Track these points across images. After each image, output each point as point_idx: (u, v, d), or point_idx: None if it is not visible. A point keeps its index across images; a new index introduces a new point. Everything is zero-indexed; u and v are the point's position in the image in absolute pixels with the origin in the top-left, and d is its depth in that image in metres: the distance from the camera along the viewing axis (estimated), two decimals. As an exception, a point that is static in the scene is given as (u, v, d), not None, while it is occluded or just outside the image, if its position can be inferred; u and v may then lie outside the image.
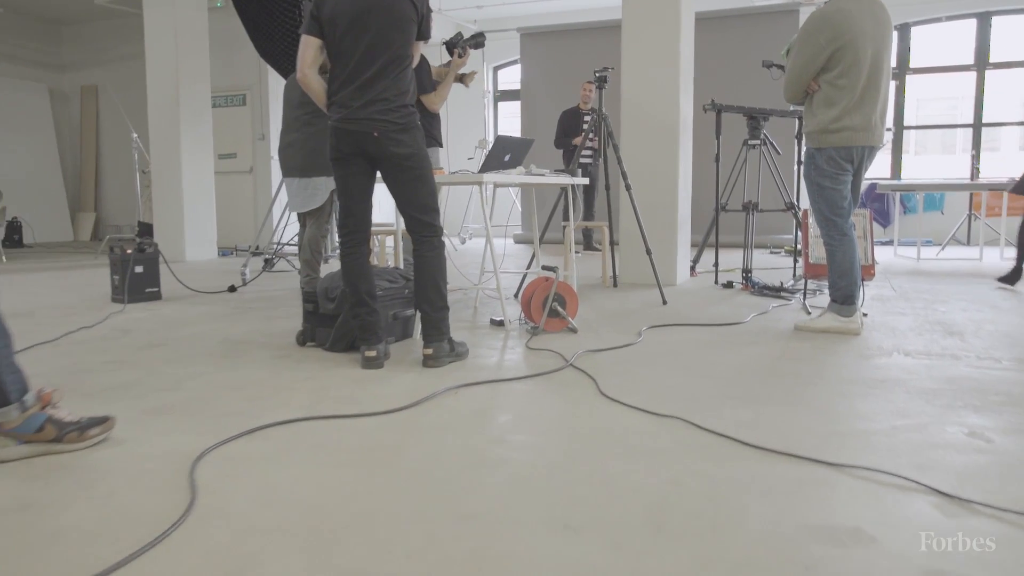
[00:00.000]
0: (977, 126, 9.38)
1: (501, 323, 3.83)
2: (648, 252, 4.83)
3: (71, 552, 1.42)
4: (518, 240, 10.16)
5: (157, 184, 7.96)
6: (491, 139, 11.14)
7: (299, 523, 1.54)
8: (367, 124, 2.82)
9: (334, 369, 2.92)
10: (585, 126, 7.91)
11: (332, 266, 6.64)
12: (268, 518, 1.57)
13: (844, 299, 3.54)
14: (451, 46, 4.63)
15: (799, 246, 6.13)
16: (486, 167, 3.70)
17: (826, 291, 4.90)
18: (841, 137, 3.42)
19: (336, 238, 4.37)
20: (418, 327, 3.36)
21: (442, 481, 1.77)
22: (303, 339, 3.39)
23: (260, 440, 2.07)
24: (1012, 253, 7.77)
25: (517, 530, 1.51)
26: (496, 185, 4.06)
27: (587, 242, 8.50)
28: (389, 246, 6.50)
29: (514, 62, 11.23)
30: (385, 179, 2.96)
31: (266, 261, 6.67)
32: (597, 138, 7.40)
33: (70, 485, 1.75)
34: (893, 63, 3.59)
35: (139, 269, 4.79)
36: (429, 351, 2.92)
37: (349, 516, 1.58)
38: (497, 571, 1.35)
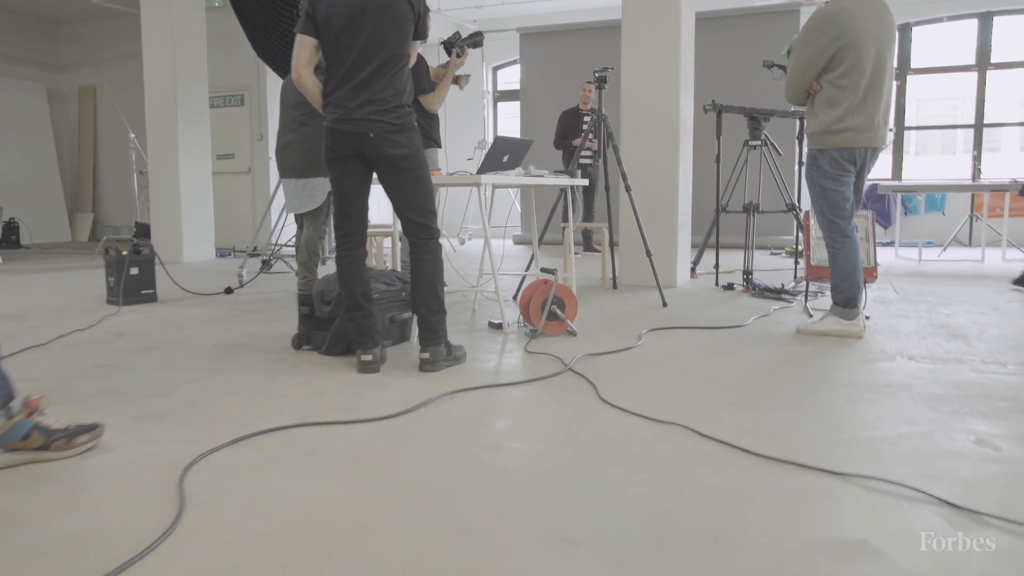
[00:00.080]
0: (978, 127, 9.34)
1: (499, 326, 3.79)
2: (648, 254, 4.78)
3: (52, 567, 1.38)
4: (517, 241, 10.12)
5: (154, 185, 7.91)
6: (490, 140, 11.09)
7: (289, 536, 1.50)
8: (363, 125, 2.78)
9: (329, 373, 2.88)
10: (585, 127, 7.86)
11: (329, 268, 6.60)
12: (257, 530, 1.52)
13: (846, 302, 3.49)
14: (449, 46, 4.58)
15: (800, 247, 6.09)
16: (484, 168, 3.66)
17: (828, 293, 4.85)
18: (843, 138, 3.37)
19: (333, 240, 4.33)
20: (415, 330, 3.31)
21: (437, 491, 1.72)
22: (299, 342, 3.34)
23: (251, 448, 2.03)
24: (1015, 254, 7.73)
25: (513, 544, 1.46)
26: (495, 186, 4.02)
27: (587, 243, 8.45)
28: (387, 247, 6.46)
29: (513, 62, 11.18)
30: (381, 180, 2.92)
31: (263, 262, 6.62)
32: (597, 139, 7.36)
33: (55, 496, 1.70)
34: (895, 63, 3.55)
35: (134, 271, 4.74)
36: (426, 355, 2.88)
37: (341, 529, 1.53)
38: (492, 587, 1.30)
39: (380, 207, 9.32)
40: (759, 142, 5.37)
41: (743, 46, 8.88)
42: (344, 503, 1.66)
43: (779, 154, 5.79)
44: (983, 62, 9.25)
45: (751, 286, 5.07)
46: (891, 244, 8.75)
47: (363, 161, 2.87)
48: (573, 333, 3.60)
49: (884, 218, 9.36)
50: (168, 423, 2.26)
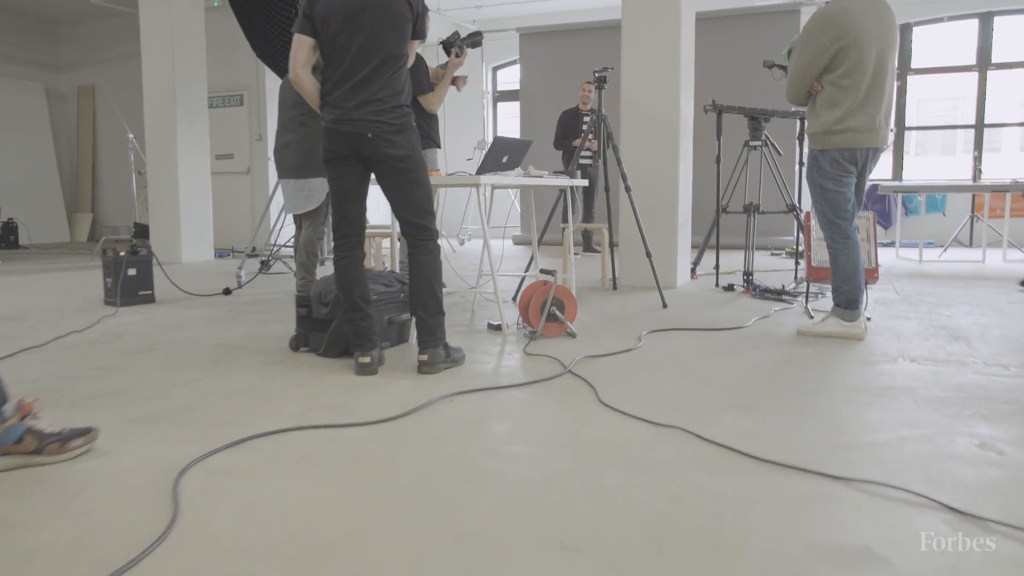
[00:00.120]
0: (979, 127, 9.32)
1: (499, 327, 3.77)
2: (648, 254, 4.76)
3: (45, 573, 1.36)
4: (517, 241, 10.10)
5: (153, 185, 7.89)
6: (490, 140, 11.07)
7: (285, 542, 1.48)
8: (361, 125, 2.76)
9: (327, 376, 2.86)
10: (584, 127, 7.84)
11: (328, 268, 6.58)
12: (252, 536, 1.50)
13: (847, 303, 3.47)
14: (448, 46, 4.56)
15: (800, 248, 6.07)
16: (483, 168, 3.64)
17: (828, 294, 4.83)
18: (845, 138, 3.35)
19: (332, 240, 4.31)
20: (414, 332, 3.30)
21: (435, 496, 1.70)
22: (296, 344, 3.32)
23: (248, 451, 2.01)
24: (1016, 255, 7.71)
25: (512, 549, 1.44)
26: (494, 187, 4.00)
27: (587, 243, 8.44)
28: (385, 247, 6.44)
29: (513, 62, 11.16)
30: (379, 181, 2.90)
31: (262, 263, 6.61)
32: (596, 139, 7.34)
33: (47, 501, 1.68)
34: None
35: (132, 272, 4.72)
36: (424, 357, 2.86)
37: (337, 534, 1.51)
38: (490, 595, 1.28)
39: (379, 208, 9.32)
40: (759, 142, 5.35)
41: (743, 46, 8.87)
42: (341, 508, 1.64)
43: (779, 154, 5.78)
44: (984, 62, 9.24)
45: (751, 287, 5.05)
46: (892, 245, 8.73)
47: (361, 162, 2.85)
48: (573, 335, 3.58)
49: (884, 218, 9.34)
50: (164, 426, 2.24)
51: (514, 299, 4.74)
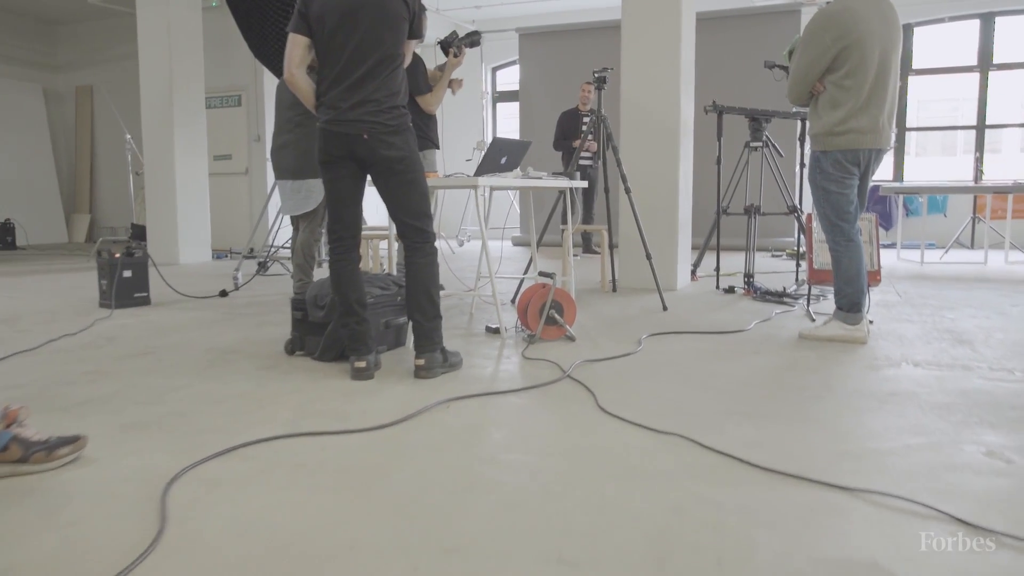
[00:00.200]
0: (980, 128, 9.28)
1: (497, 331, 3.72)
2: (648, 256, 4.71)
3: (24, 590, 1.32)
4: (516, 242, 10.06)
5: (150, 186, 7.85)
6: (489, 141, 11.03)
7: (273, 556, 1.44)
8: (357, 126, 2.72)
9: (322, 380, 2.81)
10: (584, 127, 7.80)
11: (326, 270, 6.54)
12: (240, 550, 1.46)
13: (850, 307, 3.43)
14: (446, 46, 4.52)
15: (801, 249, 6.03)
16: (482, 170, 3.59)
17: (830, 296, 4.79)
18: (847, 140, 3.31)
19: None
20: (411, 335, 3.25)
21: (430, 507, 1.66)
22: (292, 348, 3.28)
23: (238, 460, 1.96)
24: (1017, 256, 7.67)
25: (508, 564, 1.40)
26: (492, 189, 3.96)
27: (586, 244, 8.39)
28: (383, 248, 6.40)
29: (513, 63, 11.12)
30: (375, 183, 2.85)
31: (260, 265, 6.56)
32: (596, 140, 7.29)
33: (30, 512, 1.64)
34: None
35: (127, 274, 4.68)
36: (421, 362, 2.82)
37: (327, 548, 1.47)
38: (485, 614, 1.24)
39: (378, 209, 9.27)
40: (760, 143, 5.31)
41: (744, 46, 8.83)
42: (333, 520, 1.59)
43: (780, 155, 5.73)
44: (985, 63, 9.20)
45: (752, 289, 5.00)
46: (893, 246, 8.69)
47: (357, 163, 2.80)
48: (572, 338, 3.53)
49: (885, 220, 9.30)
50: (155, 433, 2.19)
51: (513, 301, 4.69)
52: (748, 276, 5.17)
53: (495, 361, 3.12)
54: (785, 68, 4.51)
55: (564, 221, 4.74)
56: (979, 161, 8.72)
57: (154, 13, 7.65)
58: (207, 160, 8.10)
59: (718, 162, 5.44)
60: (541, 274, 3.56)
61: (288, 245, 6.42)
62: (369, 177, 2.88)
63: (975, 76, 9.26)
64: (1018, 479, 1.79)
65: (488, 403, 2.49)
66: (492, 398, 2.55)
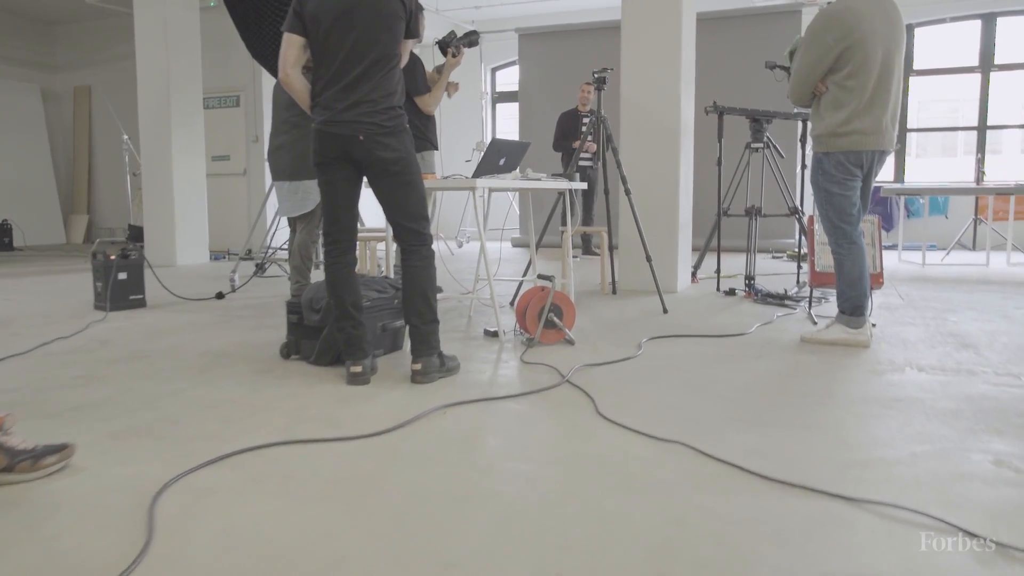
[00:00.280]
0: (981, 128, 9.24)
1: (495, 334, 3.68)
2: (648, 258, 4.67)
3: (3, 608, 1.27)
4: (516, 244, 10.02)
5: (148, 187, 7.80)
6: (488, 141, 10.99)
7: (262, 570, 1.39)
8: (352, 127, 2.67)
9: (317, 385, 2.77)
10: (584, 128, 7.76)
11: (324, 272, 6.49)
12: (228, 565, 1.41)
13: (853, 310, 3.39)
14: (444, 46, 4.48)
15: (803, 251, 5.98)
16: (480, 171, 3.55)
17: (832, 299, 4.75)
18: (850, 141, 3.27)
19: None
20: (408, 339, 3.21)
21: (423, 519, 1.61)
22: (287, 352, 3.24)
23: (230, 468, 1.92)
24: (1020, 258, 7.62)
25: (504, 580, 1.35)
26: (490, 190, 3.91)
27: (586, 246, 8.35)
28: (380, 249, 6.36)
29: (512, 63, 11.08)
30: (372, 185, 2.81)
31: (257, 266, 6.52)
32: (596, 141, 7.25)
33: (13, 524, 1.59)
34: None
35: (123, 276, 4.63)
36: (418, 366, 2.77)
37: (317, 563, 1.42)
38: (480, 633, 1.20)
39: (376, 211, 9.23)
40: (761, 144, 5.27)
41: (745, 47, 8.78)
42: (324, 532, 1.55)
43: (781, 156, 5.69)
44: (987, 64, 9.16)
45: (753, 291, 4.96)
46: (894, 247, 8.65)
47: (352, 164, 2.76)
48: (571, 342, 3.49)
49: (886, 221, 9.26)
50: (145, 440, 2.15)
51: (511, 304, 4.65)
52: (749, 278, 5.13)
53: (493, 365, 3.08)
54: (786, 69, 4.46)
55: (564, 222, 4.70)
56: (981, 162, 8.68)
57: (151, 13, 7.60)
58: (205, 161, 8.05)
59: (719, 163, 5.40)
60: (540, 277, 3.52)
61: (286, 247, 6.38)
62: (365, 179, 2.84)
63: (976, 77, 9.22)
64: (1028, 489, 1.75)
65: (486, 409, 2.44)
66: (490, 404, 2.50)
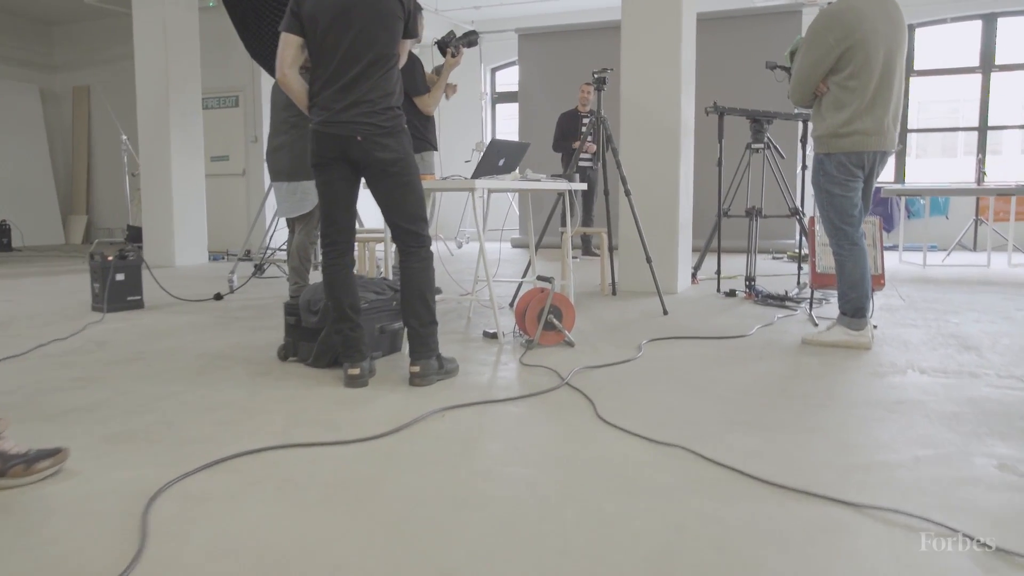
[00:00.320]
0: (982, 129, 9.22)
1: (494, 336, 3.66)
2: (648, 259, 4.65)
3: (-7, 616, 1.25)
4: (515, 244, 10.00)
5: (146, 187, 7.78)
6: (488, 142, 10.97)
7: (257, 578, 1.37)
8: (350, 127, 2.65)
9: (315, 388, 2.75)
10: (584, 129, 7.74)
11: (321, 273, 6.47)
12: (223, 571, 1.39)
13: (854, 312, 3.37)
14: (443, 46, 4.46)
15: (804, 251, 5.97)
16: (479, 172, 3.53)
17: (833, 300, 4.73)
18: (851, 141, 3.25)
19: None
20: (406, 341, 3.19)
21: (423, 524, 1.59)
22: (285, 354, 3.22)
23: (226, 472, 1.90)
24: (1021, 259, 7.61)
25: (502, 588, 1.33)
26: (490, 191, 3.89)
27: (586, 246, 8.33)
28: (379, 250, 6.34)
29: (512, 63, 11.06)
30: (370, 186, 2.79)
31: (256, 267, 6.50)
32: (596, 141, 7.24)
33: (7, 530, 1.57)
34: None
35: (120, 277, 4.61)
36: (416, 369, 2.75)
37: (314, 569, 1.40)
38: (477, 643, 1.18)
39: (375, 212, 9.21)
40: (762, 145, 5.25)
41: (745, 47, 8.77)
42: (321, 538, 1.53)
43: (782, 157, 5.67)
44: (987, 64, 9.14)
45: (753, 293, 4.94)
46: (894, 248, 8.63)
47: (350, 165, 2.74)
48: (571, 343, 3.47)
49: (887, 222, 9.24)
50: (140, 444, 2.13)
51: (511, 306, 4.63)
52: (749, 279, 5.11)
53: (492, 368, 3.06)
54: (787, 69, 4.44)
55: (563, 223, 4.68)
56: (981, 163, 8.66)
57: (150, 13, 7.58)
58: (204, 161, 8.03)
59: (719, 164, 5.38)
60: (540, 278, 3.50)
61: (284, 247, 6.36)
62: (363, 180, 2.82)
63: (977, 77, 9.21)
64: (1032, 494, 1.73)
65: (485, 412, 2.42)
66: (489, 407, 2.48)
